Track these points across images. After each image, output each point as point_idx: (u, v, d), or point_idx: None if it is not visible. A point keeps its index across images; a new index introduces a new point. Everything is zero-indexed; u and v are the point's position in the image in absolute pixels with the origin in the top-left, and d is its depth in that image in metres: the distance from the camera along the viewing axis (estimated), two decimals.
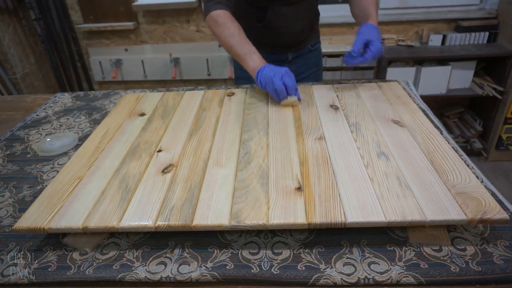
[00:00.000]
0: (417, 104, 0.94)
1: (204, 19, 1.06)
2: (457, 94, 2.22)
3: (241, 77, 1.31)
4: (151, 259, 0.60)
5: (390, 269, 0.55)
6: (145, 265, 0.59)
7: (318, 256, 0.58)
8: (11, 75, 2.26)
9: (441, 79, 2.17)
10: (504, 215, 0.55)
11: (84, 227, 0.60)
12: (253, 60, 0.97)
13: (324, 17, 2.39)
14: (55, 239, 0.65)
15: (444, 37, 2.19)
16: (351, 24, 2.37)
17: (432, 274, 0.54)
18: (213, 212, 0.60)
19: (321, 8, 2.40)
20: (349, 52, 0.97)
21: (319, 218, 0.58)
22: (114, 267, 0.59)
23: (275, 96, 0.94)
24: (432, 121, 0.89)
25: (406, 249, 0.59)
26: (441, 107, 2.52)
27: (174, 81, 2.57)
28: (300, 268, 0.56)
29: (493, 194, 0.67)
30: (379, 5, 2.32)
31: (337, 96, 0.98)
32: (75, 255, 0.62)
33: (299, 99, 0.95)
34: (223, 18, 1.01)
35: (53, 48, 2.36)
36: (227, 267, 0.57)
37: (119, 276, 0.57)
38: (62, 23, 2.35)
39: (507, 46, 2.07)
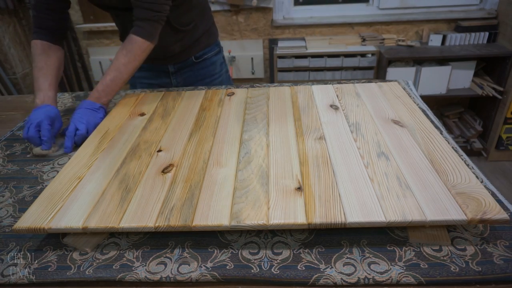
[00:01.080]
0: (417, 104, 0.94)
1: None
2: (457, 94, 2.22)
3: (131, 83, 1.31)
4: (151, 259, 0.60)
5: (390, 269, 0.55)
6: (145, 265, 0.59)
7: (318, 256, 0.58)
8: (11, 75, 2.26)
9: (441, 79, 2.17)
10: (504, 215, 0.55)
11: (84, 227, 0.60)
12: (37, 98, 0.94)
13: (324, 17, 2.40)
14: (55, 239, 0.65)
15: (444, 37, 2.19)
16: (352, 25, 2.38)
17: (432, 274, 0.54)
18: (213, 212, 0.60)
19: (322, 8, 2.42)
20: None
21: (319, 218, 0.58)
22: (114, 267, 0.59)
23: (25, 138, 0.88)
24: (432, 121, 0.89)
25: (406, 249, 0.59)
26: (441, 107, 2.53)
27: None
28: (300, 268, 0.56)
29: (493, 194, 0.67)
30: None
31: (337, 96, 0.98)
32: (75, 255, 0.62)
33: (47, 148, 0.87)
34: (34, 49, 1.00)
35: None
36: (227, 267, 0.57)
37: (119, 276, 0.57)
38: None
39: (507, 46, 2.07)
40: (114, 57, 0.98)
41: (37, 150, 0.87)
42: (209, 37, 1.26)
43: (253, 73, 2.44)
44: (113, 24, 2.32)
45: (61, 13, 1.06)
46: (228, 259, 0.59)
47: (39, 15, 1.01)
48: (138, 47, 0.97)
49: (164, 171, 0.72)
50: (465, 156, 0.78)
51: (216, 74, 1.31)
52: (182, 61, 1.23)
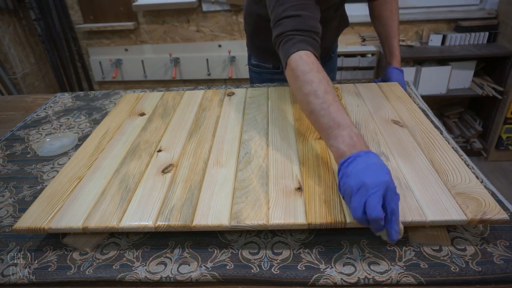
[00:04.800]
0: (417, 104, 0.94)
1: (284, 67, 0.72)
2: (457, 94, 2.22)
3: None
4: (151, 259, 0.60)
5: (390, 269, 0.55)
6: (145, 265, 0.59)
7: (318, 256, 0.58)
8: (11, 75, 2.26)
9: (441, 79, 2.17)
10: (504, 215, 0.55)
11: (84, 227, 0.60)
12: (341, 138, 0.58)
13: None
14: (55, 239, 0.65)
15: (444, 37, 2.19)
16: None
17: (432, 274, 0.54)
18: (213, 212, 0.60)
19: None
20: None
21: (319, 218, 0.58)
22: (114, 267, 0.59)
23: (360, 221, 0.53)
24: (432, 121, 0.89)
25: (406, 249, 0.59)
26: (441, 107, 2.52)
27: (174, 81, 2.58)
28: (300, 268, 0.56)
29: (493, 194, 0.67)
30: None
31: (337, 96, 0.98)
32: (75, 255, 0.62)
33: (393, 237, 0.52)
34: (307, 65, 0.67)
35: (53, 48, 2.36)
36: (227, 267, 0.57)
37: (119, 276, 0.57)
38: (62, 23, 2.35)
39: (507, 46, 2.07)
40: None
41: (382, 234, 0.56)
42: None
43: None
44: (113, 24, 2.34)
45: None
46: (228, 259, 0.59)
47: (309, 13, 0.73)
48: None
49: (164, 171, 0.72)
50: (465, 156, 0.77)
51: (335, 70, 1.32)
52: (323, 58, 1.20)
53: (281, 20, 0.74)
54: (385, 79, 1.08)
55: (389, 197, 0.51)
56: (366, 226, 0.53)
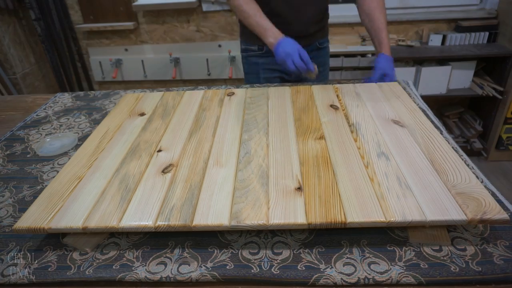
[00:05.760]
0: (417, 104, 0.94)
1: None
2: (457, 94, 2.22)
3: (249, 72, 1.32)
4: (151, 259, 0.60)
5: (390, 269, 0.55)
6: (145, 265, 0.59)
7: (318, 256, 0.58)
8: (11, 75, 2.25)
9: (441, 79, 2.17)
10: (504, 215, 0.55)
11: (84, 227, 0.60)
12: (270, 36, 1.08)
13: None
14: (55, 239, 0.65)
15: (444, 37, 2.19)
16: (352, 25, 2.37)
17: (432, 274, 0.54)
18: (213, 212, 0.60)
19: None
20: (365, 80, 1.11)
21: (319, 218, 0.58)
22: (114, 267, 0.59)
23: (292, 70, 1.03)
24: (432, 121, 0.89)
25: (406, 249, 0.59)
26: (441, 107, 2.52)
27: (174, 81, 2.57)
28: (300, 268, 0.56)
29: (493, 194, 0.67)
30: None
31: (337, 96, 0.98)
32: (75, 255, 0.62)
33: (311, 70, 1.03)
34: (238, 1, 1.12)
35: (53, 48, 2.36)
36: (227, 267, 0.57)
37: (119, 276, 0.57)
38: (62, 23, 2.35)
39: (507, 46, 2.07)
40: None
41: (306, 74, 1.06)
42: (327, 27, 1.32)
43: None
44: (113, 24, 2.34)
45: None
46: (228, 259, 0.59)
47: None
48: None
49: (164, 171, 0.72)
50: (465, 156, 0.77)
51: (326, 64, 1.38)
52: (309, 45, 1.25)
53: None
54: (371, 78, 1.08)
55: (303, 53, 1.02)
56: (296, 73, 1.04)
